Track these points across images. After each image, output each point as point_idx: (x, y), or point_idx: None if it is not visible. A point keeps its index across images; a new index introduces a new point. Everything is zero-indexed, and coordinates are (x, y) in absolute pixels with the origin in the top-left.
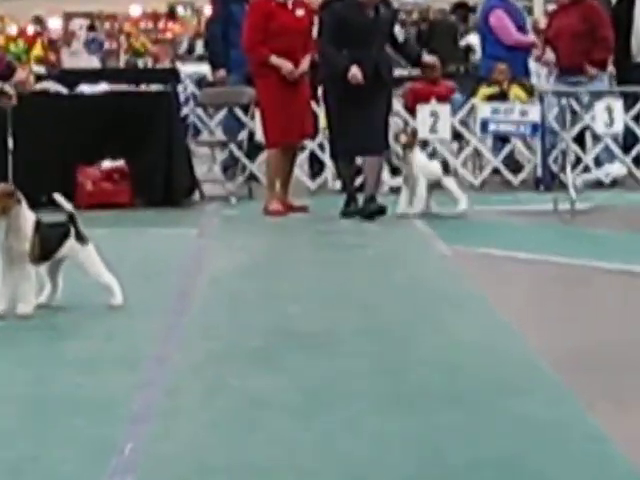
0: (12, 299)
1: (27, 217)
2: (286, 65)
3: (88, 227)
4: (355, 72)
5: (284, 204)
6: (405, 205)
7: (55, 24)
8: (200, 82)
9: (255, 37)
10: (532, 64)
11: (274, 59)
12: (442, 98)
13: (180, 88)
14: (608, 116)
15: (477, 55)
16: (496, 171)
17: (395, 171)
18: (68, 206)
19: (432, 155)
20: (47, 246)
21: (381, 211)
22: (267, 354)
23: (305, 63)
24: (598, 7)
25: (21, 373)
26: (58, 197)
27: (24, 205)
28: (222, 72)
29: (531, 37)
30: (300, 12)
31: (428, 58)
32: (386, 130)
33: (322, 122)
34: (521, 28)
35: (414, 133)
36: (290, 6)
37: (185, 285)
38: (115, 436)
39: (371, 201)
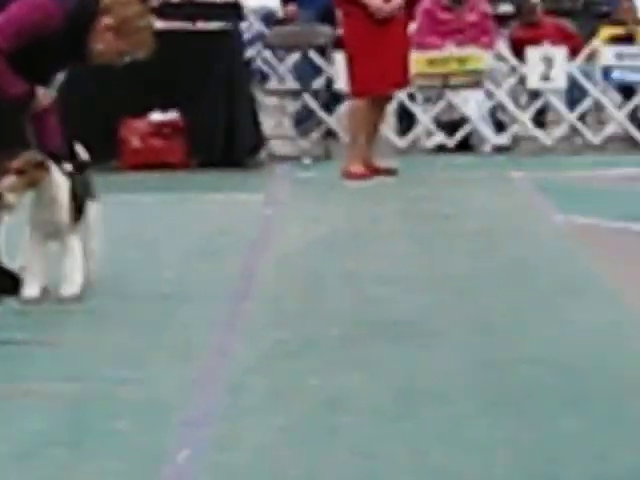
0: (46, 279)
1: (60, 185)
2: (374, 1)
3: (132, 192)
4: None
5: (368, 166)
6: None
7: None
8: (268, 19)
9: None
10: None
11: None
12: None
13: (244, 26)
14: None
15: None
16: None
17: (501, 127)
18: (85, 155)
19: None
20: (82, 209)
21: None
22: (348, 347)
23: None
24: None
25: (56, 367)
26: (77, 146)
27: (55, 171)
28: (293, 6)
29: None
30: None
31: None
32: None
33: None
34: None
35: None
36: None
37: (250, 264)
38: (166, 442)
39: None
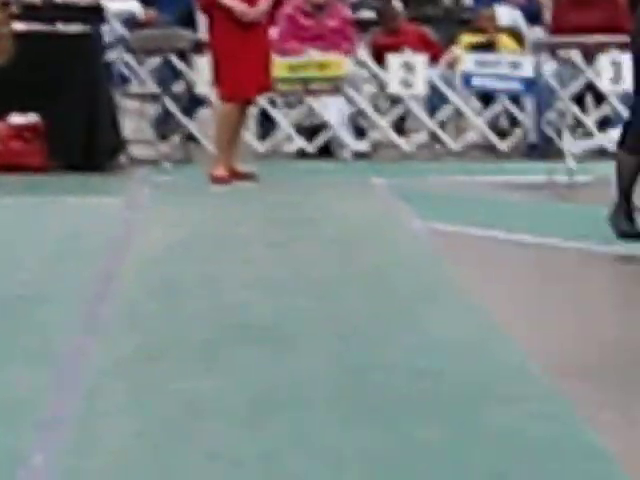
0: None
1: None
2: (238, 6)
3: None
4: None
5: (230, 170)
6: None
7: None
8: (129, 22)
9: None
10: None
11: None
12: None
13: (105, 29)
14: (615, 71)
15: None
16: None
17: (361, 133)
18: None
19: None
20: None
21: None
22: (207, 351)
23: (264, 4)
24: None
25: None
26: None
27: None
28: (152, 10)
29: None
30: None
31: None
32: None
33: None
34: None
35: None
36: None
37: (109, 267)
38: (21, 446)
39: None
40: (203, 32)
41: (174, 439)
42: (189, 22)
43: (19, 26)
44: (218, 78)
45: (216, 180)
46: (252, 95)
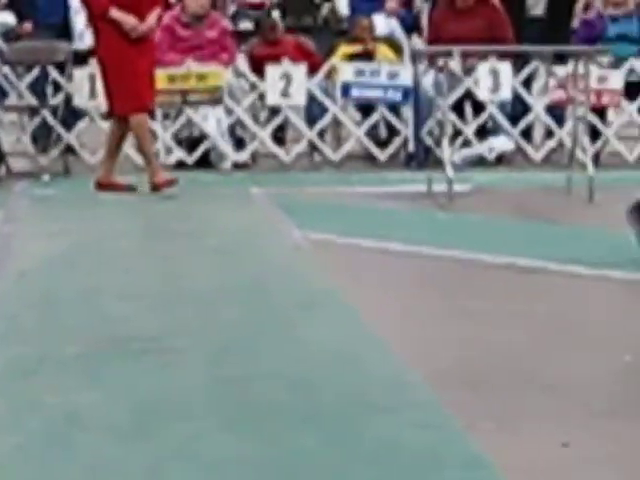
0: None
1: None
2: (128, 20)
3: None
4: None
5: (110, 182)
6: None
7: None
8: (6, 35)
9: None
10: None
11: (115, 13)
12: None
13: None
14: (493, 80)
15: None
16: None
17: (241, 143)
18: None
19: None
20: None
21: None
22: (86, 364)
23: (153, 18)
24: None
25: None
26: None
27: None
28: (28, 23)
29: None
30: None
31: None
32: None
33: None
34: None
35: None
36: None
37: None
38: None
39: None
40: (80, 43)
41: (55, 452)
42: (65, 34)
43: None
44: (110, 92)
45: (162, 185)
46: (145, 108)
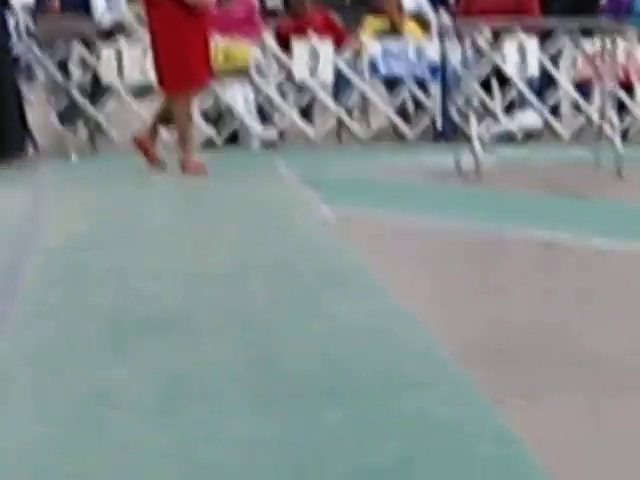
0: None
1: None
2: None
3: None
4: None
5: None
6: None
7: None
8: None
9: None
10: None
11: None
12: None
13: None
14: (520, 56)
15: None
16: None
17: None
18: None
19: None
20: None
21: None
22: (114, 342)
23: None
24: None
25: None
26: None
27: None
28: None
29: None
30: None
31: None
32: None
33: None
34: None
35: None
36: None
37: (13, 260)
38: None
39: None
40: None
41: (85, 430)
42: (86, 10)
43: None
44: (161, 68)
45: (194, 169)
46: (202, 81)
